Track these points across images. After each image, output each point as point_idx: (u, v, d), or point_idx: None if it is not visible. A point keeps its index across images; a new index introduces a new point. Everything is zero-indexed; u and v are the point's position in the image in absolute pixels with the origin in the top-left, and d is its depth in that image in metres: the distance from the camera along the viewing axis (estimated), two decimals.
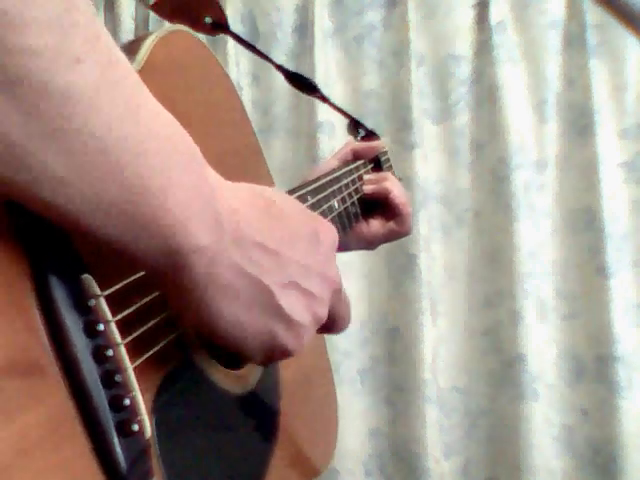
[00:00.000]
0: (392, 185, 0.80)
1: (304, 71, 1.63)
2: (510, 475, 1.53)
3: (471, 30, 1.63)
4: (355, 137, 0.94)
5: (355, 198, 0.76)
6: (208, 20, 0.72)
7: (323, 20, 1.63)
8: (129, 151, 0.29)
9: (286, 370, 0.55)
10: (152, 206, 0.30)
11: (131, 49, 0.44)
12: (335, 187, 0.69)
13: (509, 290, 1.55)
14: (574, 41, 1.58)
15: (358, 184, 0.78)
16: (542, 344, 1.55)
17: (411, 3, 1.61)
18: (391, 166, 0.93)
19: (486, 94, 1.61)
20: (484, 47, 1.61)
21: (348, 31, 1.65)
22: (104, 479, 0.30)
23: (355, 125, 0.93)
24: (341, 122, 1.64)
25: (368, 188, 0.79)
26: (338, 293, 0.41)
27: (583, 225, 1.56)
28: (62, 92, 0.26)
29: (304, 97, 1.65)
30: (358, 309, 1.61)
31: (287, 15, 1.66)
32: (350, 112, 1.64)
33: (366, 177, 0.81)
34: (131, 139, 0.29)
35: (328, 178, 0.68)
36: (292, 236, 0.38)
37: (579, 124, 1.58)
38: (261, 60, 1.73)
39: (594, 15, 1.56)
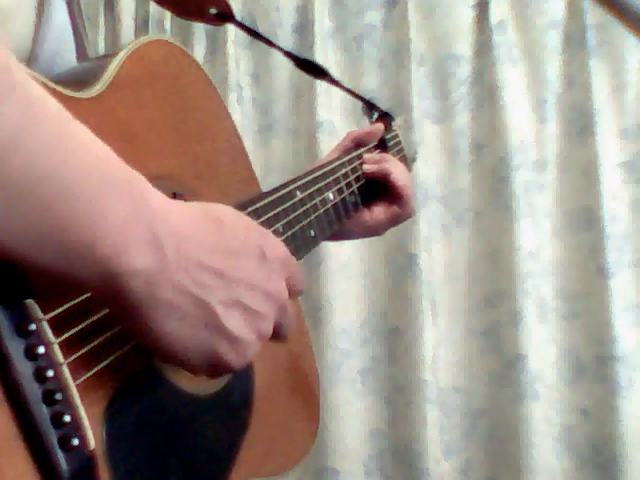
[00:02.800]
0: (393, 167, 0.78)
1: None
2: (510, 475, 1.53)
3: (471, 30, 1.63)
4: (370, 119, 0.92)
5: (355, 187, 0.74)
6: (213, 11, 0.72)
7: (323, 20, 1.64)
8: (55, 184, 0.30)
9: (262, 372, 0.55)
10: (84, 234, 0.31)
11: (102, 64, 0.45)
12: (330, 179, 0.68)
13: (509, 290, 1.55)
14: (574, 41, 1.58)
15: (360, 172, 0.76)
16: (542, 344, 1.55)
17: (411, 3, 1.61)
18: (402, 148, 0.90)
19: (486, 94, 1.61)
20: (484, 47, 1.61)
21: (348, 31, 1.65)
22: None
23: (370, 107, 0.91)
24: (341, 122, 1.64)
25: (367, 167, 0.78)
26: (283, 308, 0.42)
27: (583, 225, 1.56)
28: None
29: (304, 97, 1.65)
30: (358, 309, 1.61)
31: (287, 15, 1.66)
32: (350, 112, 1.64)
33: (366, 156, 0.79)
34: (54, 174, 0.30)
35: (323, 170, 0.67)
36: (238, 254, 0.39)
37: (579, 124, 1.58)
38: (261, 60, 1.74)
39: (594, 15, 1.56)
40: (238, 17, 1.75)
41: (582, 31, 1.56)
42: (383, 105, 1.62)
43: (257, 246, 0.41)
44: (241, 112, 1.61)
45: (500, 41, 1.59)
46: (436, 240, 1.62)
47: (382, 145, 0.85)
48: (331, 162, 0.71)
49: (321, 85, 1.61)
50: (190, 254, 0.36)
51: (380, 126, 0.86)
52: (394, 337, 1.59)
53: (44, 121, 0.31)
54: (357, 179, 0.75)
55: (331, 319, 1.57)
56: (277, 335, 0.43)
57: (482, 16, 1.62)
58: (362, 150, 0.80)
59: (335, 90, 1.65)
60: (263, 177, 1.91)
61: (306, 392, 0.67)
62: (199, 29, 1.64)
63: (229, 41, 1.61)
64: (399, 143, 0.90)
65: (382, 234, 0.84)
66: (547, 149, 1.61)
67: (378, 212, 0.79)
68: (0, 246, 0.29)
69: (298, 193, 0.60)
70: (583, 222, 1.56)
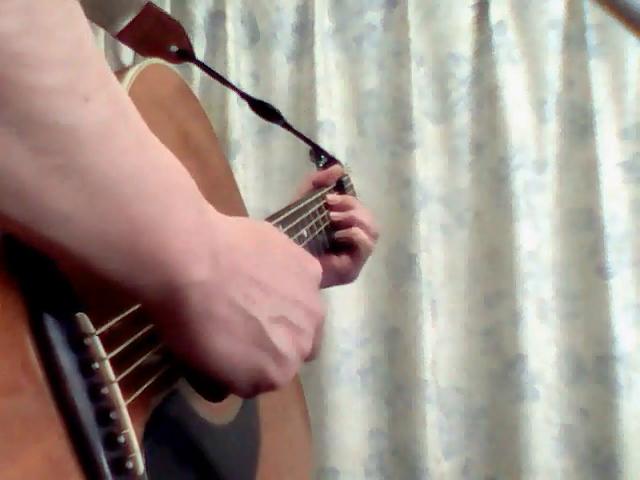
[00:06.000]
0: (358, 215, 0.80)
1: (304, 71, 1.63)
2: (510, 475, 1.53)
3: (471, 30, 1.63)
4: (317, 164, 0.94)
5: (323, 227, 0.76)
6: (174, 48, 0.73)
7: (323, 20, 1.63)
8: (133, 187, 0.29)
9: (264, 398, 0.55)
10: (153, 242, 0.30)
11: None
12: (304, 216, 0.69)
13: (509, 290, 1.55)
14: (574, 41, 1.58)
15: (325, 212, 0.79)
16: (542, 344, 1.55)
17: (411, 3, 1.61)
18: (354, 192, 0.94)
19: (486, 94, 1.61)
20: (484, 47, 1.61)
21: (348, 31, 1.65)
22: None
23: (317, 152, 0.94)
24: (341, 122, 1.64)
25: (335, 215, 0.80)
26: (320, 326, 0.42)
27: (583, 225, 1.56)
28: (71, 129, 0.26)
29: (304, 97, 1.65)
30: (358, 309, 1.61)
31: (287, 15, 1.66)
32: (350, 112, 1.64)
33: (329, 197, 0.81)
34: (136, 175, 0.29)
35: (296, 207, 0.69)
36: (281, 270, 0.39)
37: (579, 124, 1.57)
38: (261, 60, 1.74)
39: (594, 15, 1.55)
40: (238, 17, 1.75)
41: (582, 31, 1.56)
42: (383, 105, 1.63)
43: (297, 262, 0.40)
44: (241, 112, 1.60)
45: (500, 41, 1.59)
46: (436, 240, 1.62)
47: (339, 186, 0.88)
48: (301, 200, 0.73)
49: (321, 85, 1.61)
50: (241, 268, 0.36)
51: (339, 168, 0.88)
52: (394, 337, 1.59)
53: (129, 118, 0.30)
54: (323, 219, 0.77)
55: (331, 319, 1.57)
56: (311, 354, 0.42)
57: (482, 16, 1.61)
58: (325, 191, 0.82)
59: (335, 90, 1.65)
60: (263, 177, 1.90)
61: (298, 414, 0.68)
62: (199, 29, 1.64)
63: (229, 41, 1.61)
64: (352, 187, 0.93)
65: (354, 279, 0.84)
66: (547, 149, 1.61)
67: (345, 257, 0.80)
68: (66, 250, 0.28)
69: (281, 227, 0.60)
70: (583, 222, 1.56)
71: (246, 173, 1.60)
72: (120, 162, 0.28)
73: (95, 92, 0.27)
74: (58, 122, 0.25)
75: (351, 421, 1.57)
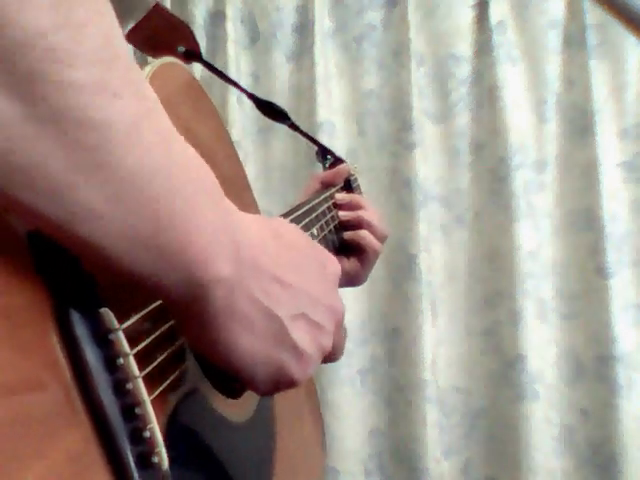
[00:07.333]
0: (365, 213, 0.80)
1: (304, 71, 1.63)
2: (510, 475, 1.53)
3: (471, 30, 1.63)
4: (323, 164, 0.94)
5: (332, 226, 0.76)
6: (181, 49, 0.73)
7: (323, 20, 1.64)
8: (161, 184, 0.29)
9: (279, 396, 0.55)
10: (179, 239, 0.30)
11: None
12: (313, 215, 0.69)
13: (509, 290, 1.55)
14: (574, 41, 1.58)
15: (334, 211, 0.79)
16: (542, 344, 1.55)
17: (411, 3, 1.61)
18: (361, 191, 0.95)
19: (486, 94, 1.61)
20: (484, 47, 1.61)
21: (348, 31, 1.65)
22: None
23: (323, 153, 0.94)
24: (341, 122, 1.64)
25: (343, 214, 0.80)
26: (340, 324, 0.42)
27: (583, 225, 1.56)
28: (101, 126, 0.26)
29: (304, 97, 1.66)
30: (358, 309, 1.61)
31: (287, 15, 1.66)
32: (350, 112, 1.64)
33: (338, 196, 0.81)
34: (164, 172, 0.29)
35: (306, 207, 0.69)
36: (301, 268, 0.39)
37: (579, 124, 1.58)
38: (261, 60, 1.73)
39: (594, 15, 1.56)
40: (238, 17, 1.75)
41: (582, 31, 1.56)
42: (383, 105, 1.63)
43: (317, 260, 0.41)
44: (241, 112, 1.61)
45: (500, 41, 1.59)
46: (436, 240, 1.62)
47: (347, 186, 0.88)
48: (310, 200, 0.73)
49: (321, 85, 1.61)
50: (262, 265, 0.36)
51: (346, 167, 0.88)
52: (394, 337, 1.59)
53: (156, 115, 0.30)
54: (332, 218, 0.77)
55: None
56: (332, 352, 0.42)
57: (482, 16, 1.62)
58: (333, 190, 0.82)
59: (335, 91, 1.65)
60: (263, 177, 1.90)
61: (311, 412, 0.68)
62: (199, 29, 1.64)
63: (229, 41, 1.61)
64: (359, 186, 0.94)
65: (363, 282, 0.84)
66: (547, 149, 1.61)
67: (354, 260, 0.81)
68: (96, 247, 0.28)
69: None
70: (583, 222, 1.56)
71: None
72: (147, 158, 0.28)
73: (124, 88, 0.27)
74: (90, 118, 0.26)
75: (351, 421, 1.57)
